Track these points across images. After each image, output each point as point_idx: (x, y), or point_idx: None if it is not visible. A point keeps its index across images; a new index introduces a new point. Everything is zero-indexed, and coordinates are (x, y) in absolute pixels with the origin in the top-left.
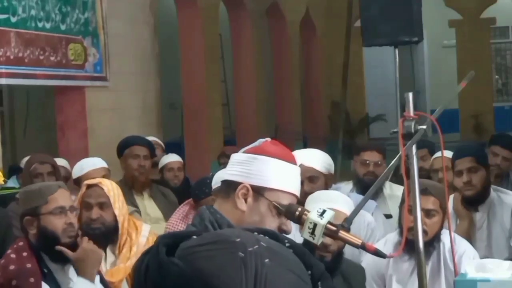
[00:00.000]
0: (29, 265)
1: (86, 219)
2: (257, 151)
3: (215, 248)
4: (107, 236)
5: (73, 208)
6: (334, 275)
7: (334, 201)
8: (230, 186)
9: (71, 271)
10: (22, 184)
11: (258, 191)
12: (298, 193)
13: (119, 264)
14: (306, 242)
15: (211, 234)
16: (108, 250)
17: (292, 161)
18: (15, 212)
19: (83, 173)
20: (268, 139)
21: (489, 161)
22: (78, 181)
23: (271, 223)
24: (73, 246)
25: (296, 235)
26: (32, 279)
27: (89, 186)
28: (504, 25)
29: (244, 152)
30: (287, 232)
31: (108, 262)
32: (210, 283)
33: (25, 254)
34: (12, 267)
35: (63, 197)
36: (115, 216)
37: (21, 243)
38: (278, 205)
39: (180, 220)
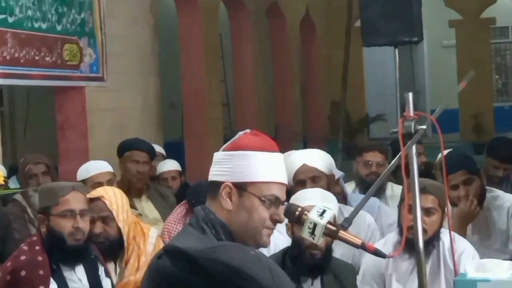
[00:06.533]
0: (40, 258)
1: (90, 233)
2: (234, 147)
3: (230, 248)
4: (112, 249)
5: (85, 211)
6: (325, 273)
7: (319, 199)
8: (215, 187)
9: (80, 271)
10: (20, 186)
11: (241, 187)
12: (285, 180)
13: (128, 277)
14: (294, 241)
15: (216, 243)
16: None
17: (272, 149)
18: (13, 214)
19: (88, 176)
20: (248, 130)
21: (489, 172)
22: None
23: (262, 215)
24: (80, 250)
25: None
26: (41, 272)
27: (91, 200)
28: (504, 25)
29: (223, 149)
30: (280, 222)
31: (116, 273)
32: (239, 272)
33: (37, 248)
34: (23, 257)
35: (75, 200)
36: (119, 228)
37: (34, 238)
38: (262, 198)
39: (177, 221)
